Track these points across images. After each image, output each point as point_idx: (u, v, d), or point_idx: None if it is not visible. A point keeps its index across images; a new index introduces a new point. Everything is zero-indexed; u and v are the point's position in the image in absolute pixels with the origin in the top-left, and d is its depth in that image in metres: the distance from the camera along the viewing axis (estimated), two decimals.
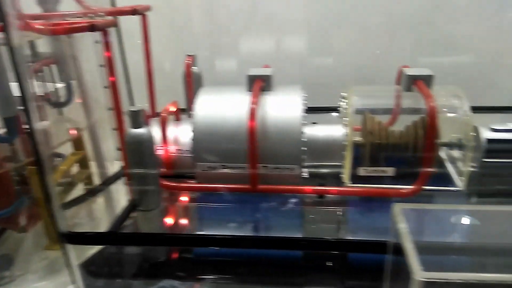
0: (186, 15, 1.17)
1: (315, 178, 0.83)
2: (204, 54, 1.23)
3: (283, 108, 0.77)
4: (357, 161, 0.84)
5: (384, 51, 1.14)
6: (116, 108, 0.74)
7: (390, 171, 0.75)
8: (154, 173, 0.71)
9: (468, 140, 0.74)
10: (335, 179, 0.80)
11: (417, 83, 0.75)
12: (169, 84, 1.00)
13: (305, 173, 0.82)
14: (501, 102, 1.13)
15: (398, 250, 0.53)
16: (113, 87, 0.73)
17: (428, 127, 0.68)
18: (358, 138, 0.82)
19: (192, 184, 0.78)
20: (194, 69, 0.94)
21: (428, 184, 0.77)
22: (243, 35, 1.18)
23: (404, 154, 0.79)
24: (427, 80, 0.76)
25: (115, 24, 0.77)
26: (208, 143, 0.77)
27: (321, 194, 0.77)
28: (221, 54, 1.21)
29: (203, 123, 0.78)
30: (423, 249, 0.51)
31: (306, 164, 0.83)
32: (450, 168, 0.82)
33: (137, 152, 0.68)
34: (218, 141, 0.77)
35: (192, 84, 0.94)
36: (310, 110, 0.83)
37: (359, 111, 0.80)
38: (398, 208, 0.57)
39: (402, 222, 0.54)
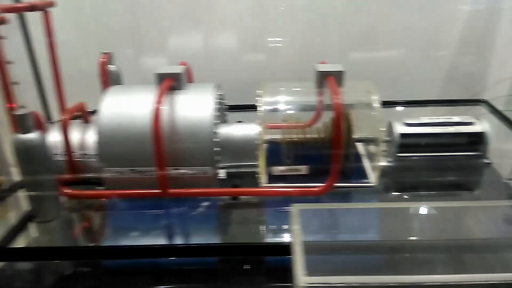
0: (109, 11, 1.12)
1: (235, 179, 0.81)
2: (127, 52, 1.19)
3: (193, 107, 0.74)
4: (279, 160, 0.83)
5: (315, 46, 1.13)
6: (9, 109, 0.68)
7: (303, 169, 0.74)
8: (49, 180, 0.66)
9: (378, 135, 0.73)
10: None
11: (327, 79, 0.74)
12: (89, 84, 0.94)
13: (222, 174, 0.79)
14: (430, 96, 1.15)
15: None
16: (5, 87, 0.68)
17: (334, 123, 0.66)
18: (273, 137, 0.80)
19: (97, 191, 0.73)
20: (111, 67, 0.89)
21: (347, 181, 0.77)
22: (172, 31, 1.14)
23: (320, 152, 0.79)
24: (337, 76, 0.75)
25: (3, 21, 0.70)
26: (114, 146, 0.72)
27: (234, 196, 0.75)
28: (147, 51, 1.17)
29: (108, 125, 0.73)
30: (318, 250, 0.49)
31: (223, 165, 0.80)
32: (366, 164, 0.82)
33: (27, 159, 0.62)
34: (124, 143, 0.72)
35: (109, 83, 0.89)
36: (241, 108, 0.81)
37: (272, 109, 0.78)
38: (296, 209, 0.55)
39: (297, 223, 0.52)
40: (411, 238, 0.57)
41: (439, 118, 0.80)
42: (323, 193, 0.71)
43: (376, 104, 0.74)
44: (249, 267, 0.73)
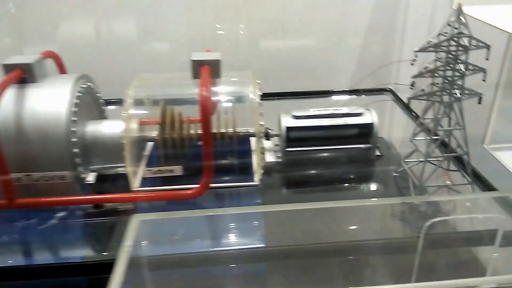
0: None
1: (108, 184, 0.72)
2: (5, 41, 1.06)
3: (45, 102, 0.64)
4: (156, 160, 0.75)
5: (220, 36, 1.06)
6: None
7: (177, 170, 0.66)
8: None
9: (257, 129, 0.67)
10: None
11: (201, 68, 0.67)
12: None
13: (90, 178, 0.70)
14: (341, 86, 1.12)
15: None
16: None
17: (201, 118, 0.59)
18: (144, 134, 0.72)
19: None
20: None
21: (231, 180, 0.71)
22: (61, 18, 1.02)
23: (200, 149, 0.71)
24: (214, 65, 0.68)
25: None
26: None
27: (97, 204, 0.66)
28: (31, 41, 1.04)
29: None
30: (157, 264, 0.42)
31: (94, 167, 0.71)
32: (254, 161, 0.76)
33: None
34: None
35: None
36: None
37: (140, 102, 0.70)
38: (135, 221, 0.47)
39: (131, 238, 0.45)
40: (274, 245, 0.51)
41: (327, 110, 0.75)
42: (197, 196, 0.64)
43: (253, 96, 0.68)
44: None
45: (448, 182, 0.59)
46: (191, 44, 1.04)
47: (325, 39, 1.09)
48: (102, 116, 0.79)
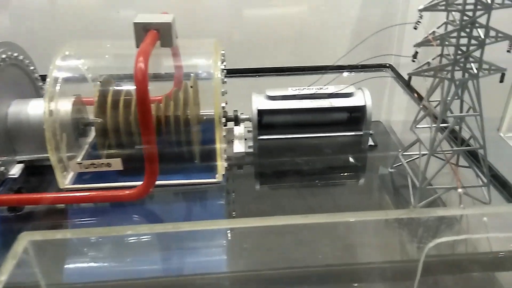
0: None
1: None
2: None
3: None
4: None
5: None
6: None
7: (116, 163, 0.53)
8: None
9: (216, 112, 0.53)
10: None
11: (148, 34, 0.53)
12: None
13: (13, 172, 0.57)
14: (329, 61, 0.97)
15: None
16: None
17: (137, 97, 0.46)
18: (83, 116, 0.58)
19: None
20: None
21: (188, 177, 0.57)
22: None
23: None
24: (163, 30, 0.54)
25: None
26: None
27: (13, 207, 0.52)
28: None
29: None
30: None
31: (18, 158, 0.58)
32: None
33: None
34: None
35: None
36: None
37: (76, 76, 0.56)
38: (23, 241, 0.34)
39: (6, 272, 0.31)
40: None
41: (310, 89, 0.61)
42: (137, 197, 0.50)
43: (214, 71, 0.53)
44: None
45: (459, 185, 0.45)
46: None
47: (316, 7, 0.94)
48: (37, 95, 0.66)
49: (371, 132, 0.65)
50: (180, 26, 0.78)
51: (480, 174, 0.51)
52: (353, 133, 0.62)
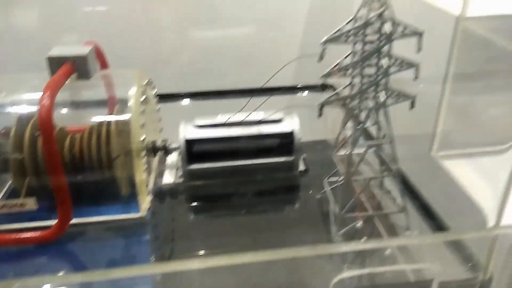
0: None
1: None
2: None
3: None
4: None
5: (144, 25, 0.89)
6: None
7: (30, 203, 0.51)
8: None
9: (135, 146, 0.52)
10: None
11: (62, 67, 0.51)
12: None
13: None
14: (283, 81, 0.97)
15: None
16: None
17: (42, 138, 0.44)
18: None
19: None
20: None
21: (108, 211, 0.55)
22: None
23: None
24: (79, 63, 0.52)
25: None
26: None
27: None
28: None
29: None
30: None
31: None
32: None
33: None
34: None
35: None
36: None
37: None
38: None
39: None
40: None
41: (239, 116, 0.60)
42: (50, 238, 0.48)
43: (136, 104, 0.52)
44: None
45: (360, 222, 0.45)
46: (103, 35, 0.88)
47: (262, 28, 0.95)
48: None
49: (303, 156, 0.65)
50: (122, 49, 0.77)
51: (399, 199, 0.51)
52: (282, 159, 0.62)
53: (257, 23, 0.94)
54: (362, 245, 0.44)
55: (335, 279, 0.35)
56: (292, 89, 0.95)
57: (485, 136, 0.60)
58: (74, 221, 0.52)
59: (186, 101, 0.88)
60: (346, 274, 0.36)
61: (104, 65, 0.63)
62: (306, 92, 0.95)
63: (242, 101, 0.94)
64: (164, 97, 0.72)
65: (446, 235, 0.48)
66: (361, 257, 0.42)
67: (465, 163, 0.64)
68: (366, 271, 0.38)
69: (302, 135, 0.60)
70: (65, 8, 0.83)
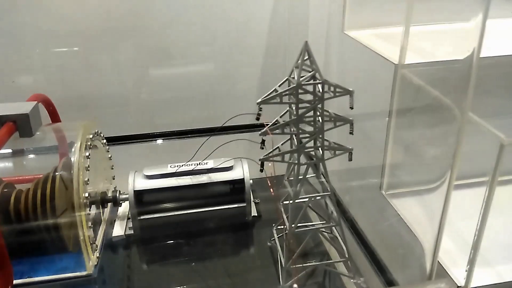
0: None
1: None
2: None
3: None
4: None
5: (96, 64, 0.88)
6: None
7: None
8: None
9: (76, 201, 0.51)
10: None
11: (3, 127, 0.51)
12: None
13: None
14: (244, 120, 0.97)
15: None
16: None
17: None
18: None
19: None
20: None
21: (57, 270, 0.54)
22: None
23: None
24: (21, 121, 0.52)
25: None
26: None
27: None
28: None
29: None
30: None
31: None
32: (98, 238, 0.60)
33: None
34: None
35: None
36: None
37: None
38: None
39: None
40: None
41: (190, 165, 0.61)
42: None
43: (80, 159, 0.52)
44: None
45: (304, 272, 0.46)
46: (62, 77, 0.86)
47: (221, 65, 0.95)
48: None
49: (256, 201, 0.65)
50: (75, 90, 0.75)
51: (344, 248, 0.52)
52: (235, 206, 0.62)
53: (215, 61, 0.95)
54: None
55: None
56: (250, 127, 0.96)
57: (424, 172, 0.62)
58: (18, 281, 0.51)
59: (140, 144, 0.87)
60: None
61: (54, 116, 0.63)
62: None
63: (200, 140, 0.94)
64: (119, 139, 0.72)
65: None
66: None
67: (411, 199, 0.66)
68: None
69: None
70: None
